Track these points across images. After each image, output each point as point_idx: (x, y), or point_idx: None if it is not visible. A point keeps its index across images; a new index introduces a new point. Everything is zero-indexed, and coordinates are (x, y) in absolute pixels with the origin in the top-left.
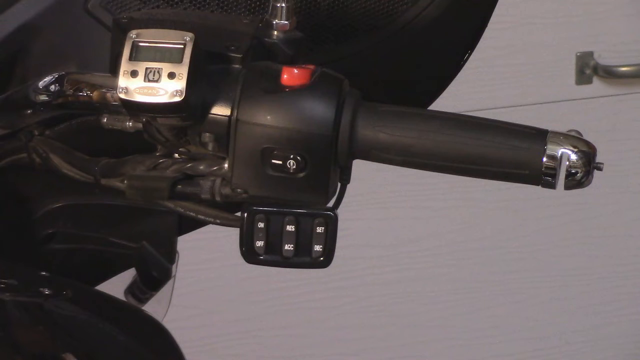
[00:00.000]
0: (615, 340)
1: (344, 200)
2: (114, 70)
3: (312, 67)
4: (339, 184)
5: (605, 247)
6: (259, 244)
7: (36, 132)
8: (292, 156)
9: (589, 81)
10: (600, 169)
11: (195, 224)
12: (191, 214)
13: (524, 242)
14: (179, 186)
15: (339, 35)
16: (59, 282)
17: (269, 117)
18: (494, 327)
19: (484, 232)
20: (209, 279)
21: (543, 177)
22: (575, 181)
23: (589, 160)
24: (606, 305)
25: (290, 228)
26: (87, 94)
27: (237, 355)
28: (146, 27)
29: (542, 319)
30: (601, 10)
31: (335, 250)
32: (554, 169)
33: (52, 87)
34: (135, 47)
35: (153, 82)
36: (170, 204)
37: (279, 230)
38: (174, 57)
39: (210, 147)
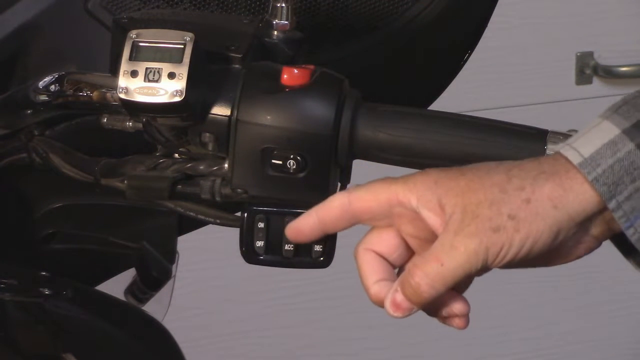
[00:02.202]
0: (615, 340)
1: None
2: (114, 70)
3: (312, 67)
4: (339, 184)
5: (605, 247)
6: (259, 244)
7: (36, 132)
8: (292, 156)
9: (589, 81)
10: None
11: (195, 224)
12: (191, 214)
13: None
14: (179, 186)
15: (339, 36)
16: (59, 282)
17: (269, 117)
18: (494, 327)
19: None
20: (209, 278)
21: None
22: None
23: None
24: (606, 305)
25: None
26: (87, 94)
27: (237, 355)
28: (146, 27)
29: (542, 319)
30: (601, 10)
31: (335, 250)
32: None
33: (52, 87)
34: (135, 47)
35: (153, 82)
36: (170, 204)
37: (279, 230)
38: (174, 57)
39: (210, 147)
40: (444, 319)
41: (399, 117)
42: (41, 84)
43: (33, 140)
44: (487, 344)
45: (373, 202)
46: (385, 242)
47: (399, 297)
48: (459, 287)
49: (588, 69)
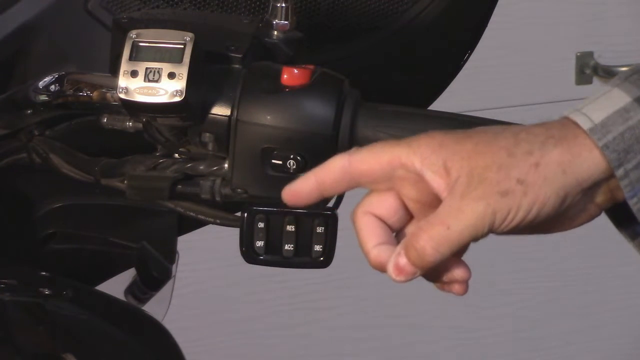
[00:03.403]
0: (615, 340)
1: (344, 200)
2: (114, 70)
3: (312, 67)
4: None
5: (605, 246)
6: (259, 244)
7: (36, 132)
8: (292, 156)
9: (589, 81)
10: None
11: (195, 224)
12: (191, 214)
13: (524, 242)
14: (179, 186)
15: (339, 36)
16: (59, 282)
17: (269, 117)
18: (494, 327)
19: None
20: (209, 279)
21: None
22: None
23: None
24: (606, 305)
25: (290, 228)
26: (87, 94)
27: (237, 355)
28: (146, 27)
29: (542, 319)
30: (601, 10)
31: (335, 250)
32: None
33: (52, 87)
34: (135, 47)
35: (153, 82)
36: (170, 204)
37: (279, 230)
38: (174, 57)
39: (210, 147)
40: (444, 285)
41: (399, 117)
42: (41, 84)
43: (33, 140)
44: (487, 344)
45: (375, 164)
46: (384, 205)
47: (402, 260)
48: (459, 251)
49: (588, 69)
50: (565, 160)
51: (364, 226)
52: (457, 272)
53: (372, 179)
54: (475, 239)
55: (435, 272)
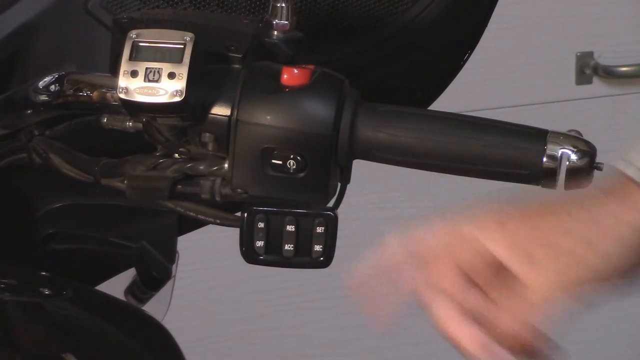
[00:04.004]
0: (614, 341)
1: (344, 200)
2: (114, 70)
3: (312, 67)
4: (339, 184)
5: None
6: (259, 244)
7: (36, 132)
8: (292, 156)
9: (589, 81)
10: (600, 169)
11: (195, 224)
12: (191, 214)
13: None
14: (179, 186)
15: (339, 35)
16: (59, 282)
17: (269, 117)
18: None
19: None
20: (209, 279)
21: (543, 177)
22: (576, 181)
23: (589, 160)
24: (606, 305)
25: (290, 228)
26: (87, 94)
27: (237, 355)
28: (146, 27)
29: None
30: (601, 10)
31: (335, 250)
32: (554, 169)
33: (52, 87)
34: (135, 47)
35: (153, 82)
36: (170, 204)
37: (279, 230)
38: (174, 57)
39: (210, 147)
40: None
41: (399, 117)
42: (41, 84)
43: (33, 140)
44: None
45: None
46: None
47: None
48: None
49: (588, 69)
50: None
51: None
52: None
53: None
54: None
55: None
